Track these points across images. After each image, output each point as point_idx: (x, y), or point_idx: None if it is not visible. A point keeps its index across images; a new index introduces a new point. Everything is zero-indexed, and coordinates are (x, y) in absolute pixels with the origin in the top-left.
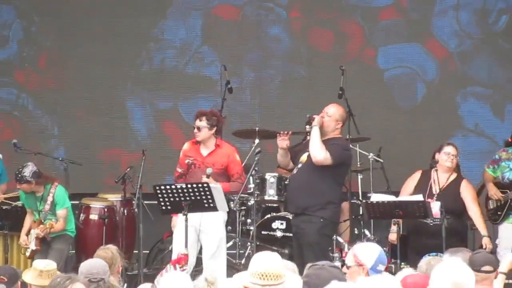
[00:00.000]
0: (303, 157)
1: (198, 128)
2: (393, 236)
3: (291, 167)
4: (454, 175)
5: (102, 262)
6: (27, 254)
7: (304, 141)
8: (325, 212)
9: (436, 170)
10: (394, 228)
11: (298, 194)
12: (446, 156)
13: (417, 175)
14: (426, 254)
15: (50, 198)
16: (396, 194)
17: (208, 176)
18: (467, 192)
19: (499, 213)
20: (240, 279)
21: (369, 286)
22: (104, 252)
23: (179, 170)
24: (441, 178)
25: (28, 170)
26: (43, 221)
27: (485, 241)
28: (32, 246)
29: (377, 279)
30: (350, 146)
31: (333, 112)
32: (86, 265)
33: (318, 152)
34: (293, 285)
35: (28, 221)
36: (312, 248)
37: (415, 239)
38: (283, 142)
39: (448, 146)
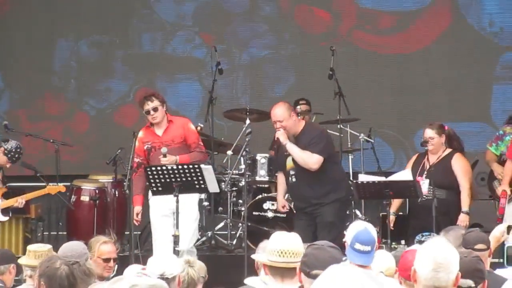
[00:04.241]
0: (289, 163)
1: (154, 109)
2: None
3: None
4: (448, 151)
5: (81, 245)
6: None
7: (276, 140)
8: (339, 193)
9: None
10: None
11: (310, 193)
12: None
13: (413, 158)
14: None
15: None
16: (387, 174)
17: (164, 156)
18: (457, 165)
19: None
20: (259, 258)
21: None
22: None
23: (136, 160)
24: (433, 157)
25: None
26: None
27: (461, 217)
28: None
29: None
30: (341, 126)
31: (282, 116)
32: (64, 247)
33: (309, 162)
34: None
35: None
36: (328, 228)
37: (415, 218)
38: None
39: (426, 130)
